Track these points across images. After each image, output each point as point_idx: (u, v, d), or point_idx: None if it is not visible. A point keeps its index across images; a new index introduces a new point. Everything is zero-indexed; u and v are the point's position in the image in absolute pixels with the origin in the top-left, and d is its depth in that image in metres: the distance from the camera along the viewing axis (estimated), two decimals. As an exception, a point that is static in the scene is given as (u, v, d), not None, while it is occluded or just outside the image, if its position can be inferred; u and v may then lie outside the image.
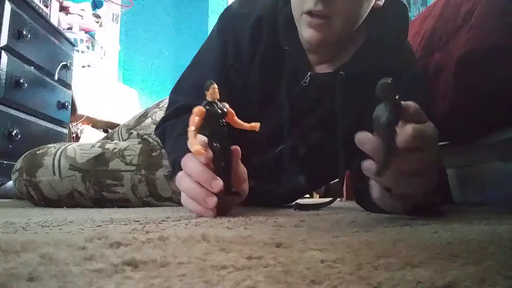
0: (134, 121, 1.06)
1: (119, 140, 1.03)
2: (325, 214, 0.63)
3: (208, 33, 0.81)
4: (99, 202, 0.84)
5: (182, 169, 0.52)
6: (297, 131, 0.73)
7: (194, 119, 0.47)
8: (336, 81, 0.69)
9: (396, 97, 0.40)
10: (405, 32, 0.73)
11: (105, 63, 2.79)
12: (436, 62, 0.87)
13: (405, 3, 0.73)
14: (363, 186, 0.73)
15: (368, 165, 0.42)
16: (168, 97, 0.87)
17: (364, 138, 0.41)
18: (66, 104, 1.92)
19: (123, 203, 0.84)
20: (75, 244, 0.26)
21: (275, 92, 0.73)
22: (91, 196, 0.83)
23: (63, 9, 2.43)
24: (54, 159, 0.83)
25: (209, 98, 0.48)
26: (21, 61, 1.55)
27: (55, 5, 2.10)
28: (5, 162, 1.43)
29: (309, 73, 0.71)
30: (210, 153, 0.48)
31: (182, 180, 0.51)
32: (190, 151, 0.48)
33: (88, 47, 2.54)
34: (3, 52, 1.43)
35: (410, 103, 0.43)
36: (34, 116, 1.66)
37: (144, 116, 1.06)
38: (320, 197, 1.97)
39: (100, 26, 2.74)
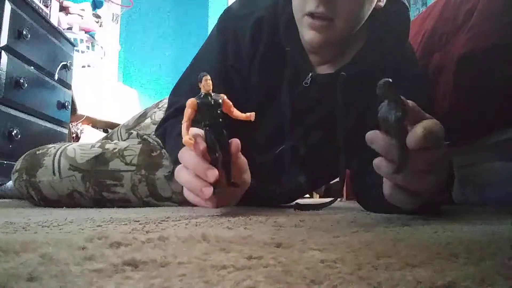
0: (133, 121, 1.06)
1: (119, 140, 1.03)
2: (325, 214, 0.63)
3: (208, 33, 0.81)
4: (99, 202, 0.84)
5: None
6: (297, 131, 0.73)
7: (187, 112, 0.48)
8: (337, 82, 0.69)
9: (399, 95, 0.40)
10: (406, 32, 0.73)
11: (105, 63, 2.79)
12: (436, 62, 0.87)
13: (406, 3, 0.73)
14: (363, 186, 0.73)
15: (379, 163, 0.43)
16: (167, 97, 0.87)
17: (375, 137, 0.42)
18: (66, 104, 1.92)
19: (123, 203, 0.84)
20: (75, 244, 0.26)
21: (275, 92, 0.73)
22: (91, 196, 0.83)
23: (63, 9, 2.43)
24: (54, 159, 0.83)
25: (203, 90, 0.49)
26: (21, 61, 1.55)
27: (55, 5, 2.10)
28: (5, 162, 1.43)
29: (310, 74, 0.71)
30: (203, 144, 0.48)
31: (180, 173, 0.52)
32: None
33: (88, 47, 2.54)
34: (3, 52, 1.43)
35: (407, 101, 0.43)
36: (34, 116, 1.66)
37: (143, 116, 1.06)
38: (320, 197, 1.97)
39: (100, 26, 2.74)
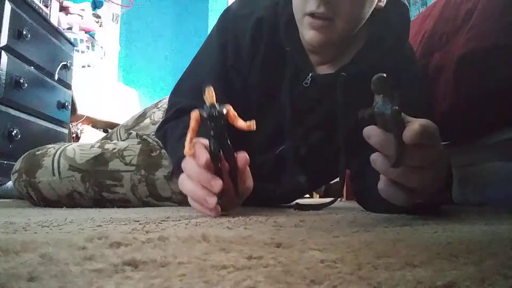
0: (132, 122, 1.06)
1: (118, 141, 1.03)
2: (325, 214, 0.63)
3: (208, 33, 0.81)
4: (99, 203, 0.84)
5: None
6: (297, 131, 0.73)
7: (191, 123, 0.50)
8: (337, 82, 0.69)
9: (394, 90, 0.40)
10: (406, 32, 0.73)
11: (105, 63, 2.79)
12: (436, 62, 0.87)
13: (406, 3, 0.73)
14: (363, 186, 0.73)
15: (375, 158, 0.43)
16: (166, 97, 0.87)
17: (372, 132, 0.42)
18: (66, 104, 1.92)
19: (123, 203, 0.84)
20: (75, 244, 0.26)
21: (275, 93, 0.73)
22: (91, 197, 0.83)
23: (63, 9, 2.43)
24: (53, 159, 0.82)
25: (206, 102, 0.49)
26: (21, 61, 1.55)
27: (55, 5, 2.10)
28: (5, 162, 1.43)
29: (310, 74, 0.71)
30: (205, 157, 0.48)
31: (183, 182, 0.53)
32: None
33: (88, 47, 2.54)
34: (3, 52, 1.43)
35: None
36: (34, 116, 1.66)
37: (142, 116, 1.06)
38: (320, 197, 1.97)
39: (100, 26, 2.74)
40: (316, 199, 1.85)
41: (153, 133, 0.91)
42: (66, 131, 1.96)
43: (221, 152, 0.50)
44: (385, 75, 0.39)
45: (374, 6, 0.66)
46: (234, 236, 0.31)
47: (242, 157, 0.52)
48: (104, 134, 1.73)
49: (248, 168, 0.55)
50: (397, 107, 0.39)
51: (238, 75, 0.74)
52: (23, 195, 0.86)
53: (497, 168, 0.85)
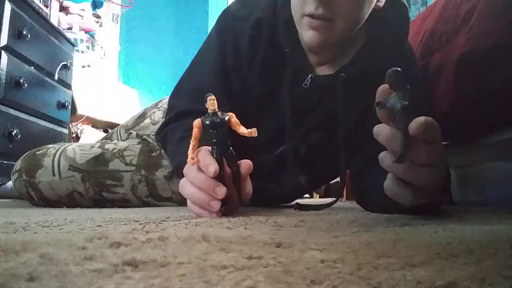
0: (132, 122, 1.06)
1: (118, 141, 1.03)
2: (325, 214, 0.63)
3: (208, 33, 0.81)
4: (99, 203, 0.84)
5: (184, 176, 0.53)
6: (297, 131, 0.73)
7: (194, 131, 0.51)
8: (337, 83, 0.69)
9: (407, 87, 0.40)
10: (405, 32, 0.73)
11: (105, 63, 2.79)
12: (436, 62, 0.87)
13: (405, 3, 0.73)
14: (363, 186, 0.73)
15: (383, 156, 0.43)
16: (167, 97, 0.87)
17: (380, 129, 0.43)
18: (66, 104, 1.92)
19: (123, 203, 0.84)
20: (75, 244, 0.26)
21: (275, 93, 0.73)
22: (91, 197, 0.83)
23: (63, 9, 2.43)
24: (53, 159, 0.82)
25: (209, 109, 0.50)
26: (21, 61, 1.55)
27: (55, 5, 2.10)
28: (5, 162, 1.43)
29: (310, 75, 0.71)
30: (214, 167, 0.49)
31: (185, 186, 0.52)
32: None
33: (88, 47, 2.54)
34: (3, 52, 1.43)
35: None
36: (34, 116, 1.66)
37: (142, 116, 1.06)
38: (320, 197, 1.96)
39: (100, 26, 2.74)
40: (316, 199, 1.85)
41: (153, 133, 0.92)
42: (66, 131, 1.96)
43: (224, 159, 0.51)
44: (399, 69, 0.40)
45: (373, 6, 0.66)
46: (234, 236, 0.31)
47: (246, 163, 0.52)
48: (104, 134, 1.73)
49: (248, 176, 0.56)
50: (406, 103, 0.39)
51: (238, 76, 0.74)
52: (23, 195, 0.86)
53: (497, 168, 0.85)
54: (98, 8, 2.85)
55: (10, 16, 1.46)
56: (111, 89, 2.57)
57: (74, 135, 2.16)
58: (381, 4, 0.68)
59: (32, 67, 1.64)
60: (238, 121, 0.52)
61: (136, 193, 0.84)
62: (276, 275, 0.19)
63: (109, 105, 2.42)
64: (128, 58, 3.35)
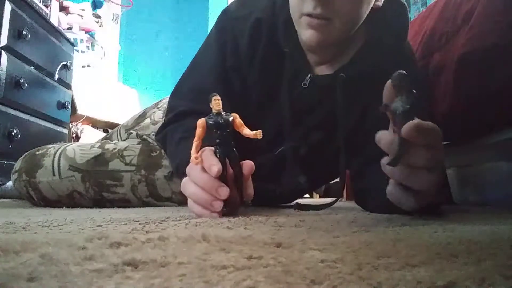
0: (132, 122, 1.06)
1: (118, 141, 1.03)
2: (325, 214, 0.63)
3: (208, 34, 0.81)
4: (99, 203, 0.84)
5: (185, 175, 0.53)
6: (297, 131, 0.73)
7: (197, 131, 0.50)
8: (337, 83, 0.69)
9: (413, 90, 0.40)
10: (405, 32, 0.73)
11: (105, 63, 2.79)
12: (436, 62, 0.87)
13: (404, 3, 0.73)
14: (363, 186, 0.73)
15: (383, 162, 0.43)
16: (167, 97, 0.87)
17: (381, 136, 0.43)
18: (66, 104, 1.92)
19: (123, 203, 0.84)
20: (75, 244, 0.26)
21: (275, 93, 0.73)
22: (91, 197, 0.83)
23: (63, 9, 2.43)
24: (53, 159, 0.82)
25: (213, 110, 0.50)
26: (21, 61, 1.55)
27: (55, 5, 2.10)
28: (5, 162, 1.43)
29: (309, 75, 0.71)
30: (218, 167, 0.49)
31: (187, 186, 0.52)
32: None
33: (88, 47, 2.54)
34: (3, 52, 1.43)
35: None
36: (34, 116, 1.66)
37: (142, 116, 1.06)
38: (320, 197, 1.96)
39: (100, 26, 2.74)
40: (316, 199, 1.85)
41: (153, 133, 0.92)
42: (66, 131, 1.96)
43: (227, 160, 0.51)
44: (405, 72, 0.40)
45: (371, 5, 0.65)
46: (234, 236, 0.31)
47: (248, 164, 0.52)
48: (104, 134, 1.73)
49: (250, 177, 0.56)
50: (408, 106, 0.39)
51: (238, 76, 0.74)
52: (23, 195, 0.86)
53: (497, 168, 0.85)
54: (98, 8, 2.85)
55: (10, 16, 1.46)
56: (111, 89, 2.57)
57: (74, 135, 2.16)
58: (380, 3, 0.68)
59: (32, 67, 1.64)
60: (242, 122, 0.52)
61: (136, 193, 0.84)
62: (276, 275, 0.19)
63: (109, 105, 2.42)
64: (128, 58, 3.35)
